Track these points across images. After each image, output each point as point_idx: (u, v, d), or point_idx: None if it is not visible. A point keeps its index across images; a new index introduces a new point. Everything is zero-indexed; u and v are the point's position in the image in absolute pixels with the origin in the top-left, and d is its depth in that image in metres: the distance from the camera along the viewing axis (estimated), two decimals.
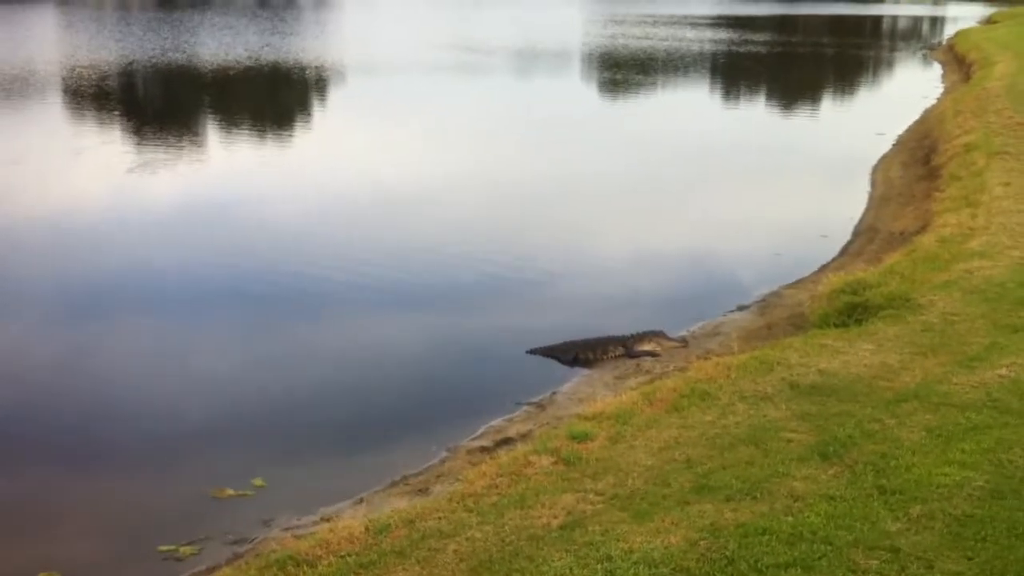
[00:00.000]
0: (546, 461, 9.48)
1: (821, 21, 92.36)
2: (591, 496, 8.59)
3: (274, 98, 41.14)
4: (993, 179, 20.59)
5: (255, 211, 21.66)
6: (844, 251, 19.32)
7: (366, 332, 14.99)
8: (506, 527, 8.08)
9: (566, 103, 40.79)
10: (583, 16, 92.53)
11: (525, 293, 16.85)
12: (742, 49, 62.71)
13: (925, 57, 60.89)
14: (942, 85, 44.39)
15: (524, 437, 11.21)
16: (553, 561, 7.42)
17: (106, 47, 53.29)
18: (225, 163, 27.12)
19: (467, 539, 7.92)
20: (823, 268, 18.00)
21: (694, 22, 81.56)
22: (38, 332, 14.73)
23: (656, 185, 25.34)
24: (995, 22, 71.94)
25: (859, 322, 13.10)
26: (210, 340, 14.55)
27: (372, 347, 14.36)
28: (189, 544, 9.34)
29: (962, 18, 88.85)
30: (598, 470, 9.18)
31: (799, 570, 7.08)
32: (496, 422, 11.97)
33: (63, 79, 41.39)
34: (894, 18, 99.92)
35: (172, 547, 9.29)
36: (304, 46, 56.66)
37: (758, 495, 8.29)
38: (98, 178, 24.49)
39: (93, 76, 42.14)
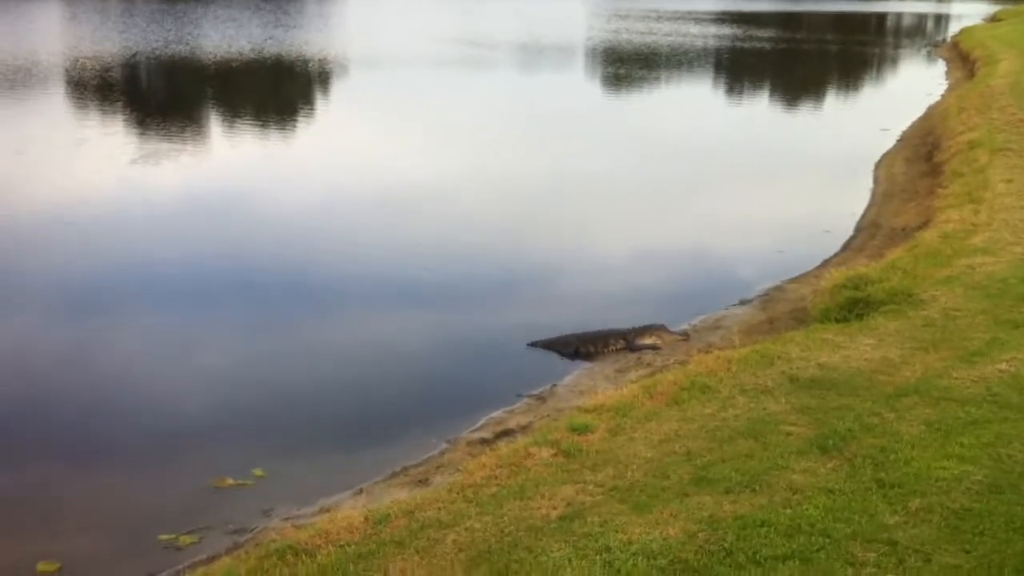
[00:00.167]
0: (546, 453, 9.50)
1: (825, 18, 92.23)
2: (591, 488, 8.61)
3: (277, 91, 41.14)
4: (996, 176, 20.58)
5: (257, 204, 21.68)
6: (846, 246, 19.32)
7: (368, 325, 15.00)
8: (505, 518, 8.09)
9: (569, 98, 40.75)
10: (587, 10, 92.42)
11: (527, 287, 16.85)
12: (746, 45, 62.64)
13: (929, 54, 60.81)
14: (946, 82, 44.34)
15: (524, 429, 11.23)
16: (552, 552, 7.43)
17: (109, 38, 53.28)
18: (227, 156, 27.13)
19: (466, 529, 7.93)
20: (825, 263, 17.99)
21: (698, 18, 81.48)
22: (39, 325, 14.74)
23: (659, 180, 25.33)
24: (1000, 20, 71.84)
25: (860, 317, 13.10)
26: (212, 333, 14.56)
27: (374, 340, 14.37)
28: (189, 533, 9.36)
29: (967, 15, 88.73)
30: (598, 462, 9.20)
31: (797, 562, 7.09)
32: (496, 414, 11.99)
33: (66, 70, 41.40)
34: (899, 15, 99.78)
35: (172, 536, 9.31)
36: (307, 39, 56.64)
37: (757, 488, 8.30)
38: (100, 169, 24.50)
39: (96, 67, 42.14)
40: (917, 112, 34.44)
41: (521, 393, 12.59)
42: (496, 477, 9.07)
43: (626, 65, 50.78)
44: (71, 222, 19.76)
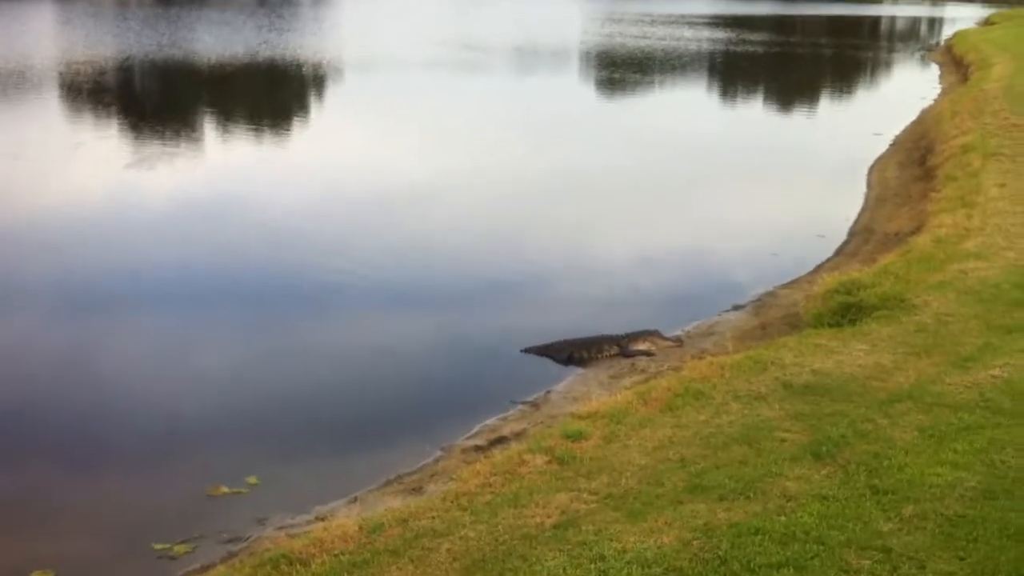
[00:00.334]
0: (540, 460, 9.50)
1: (819, 21, 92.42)
2: (585, 495, 8.61)
3: (272, 95, 41.14)
4: (989, 180, 20.63)
5: (252, 208, 21.67)
6: (840, 251, 19.36)
7: (362, 331, 15.00)
8: (500, 526, 8.09)
9: (564, 101, 40.80)
10: (582, 14, 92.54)
11: (521, 292, 16.86)
12: (740, 49, 62.75)
13: (923, 58, 60.96)
14: (939, 86, 44.46)
15: (518, 436, 11.23)
16: (546, 560, 7.43)
17: (103, 42, 53.24)
18: (222, 159, 27.13)
19: (460, 538, 7.93)
20: (818, 268, 18.03)
21: (692, 21, 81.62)
22: (32, 329, 14.71)
23: (653, 184, 25.36)
24: (993, 23, 72.07)
25: (853, 322, 13.12)
26: (206, 338, 14.55)
27: (368, 346, 14.37)
28: (183, 542, 9.35)
29: (960, 19, 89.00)
30: (592, 469, 9.20)
31: (791, 570, 7.10)
32: (491, 421, 11.98)
33: (60, 74, 41.36)
34: (892, 19, 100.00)
35: (167, 545, 9.30)
36: (302, 43, 56.64)
37: (751, 495, 8.31)
38: (95, 174, 24.49)
39: (90, 72, 42.11)
40: (910, 116, 34.53)
41: (515, 400, 12.59)
42: (490, 485, 9.07)
43: (620, 69, 50.85)
44: (66, 226, 19.75)
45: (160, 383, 12.90)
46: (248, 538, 9.40)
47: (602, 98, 42.83)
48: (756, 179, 26.36)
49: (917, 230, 18.44)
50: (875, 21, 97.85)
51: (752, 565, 7.17)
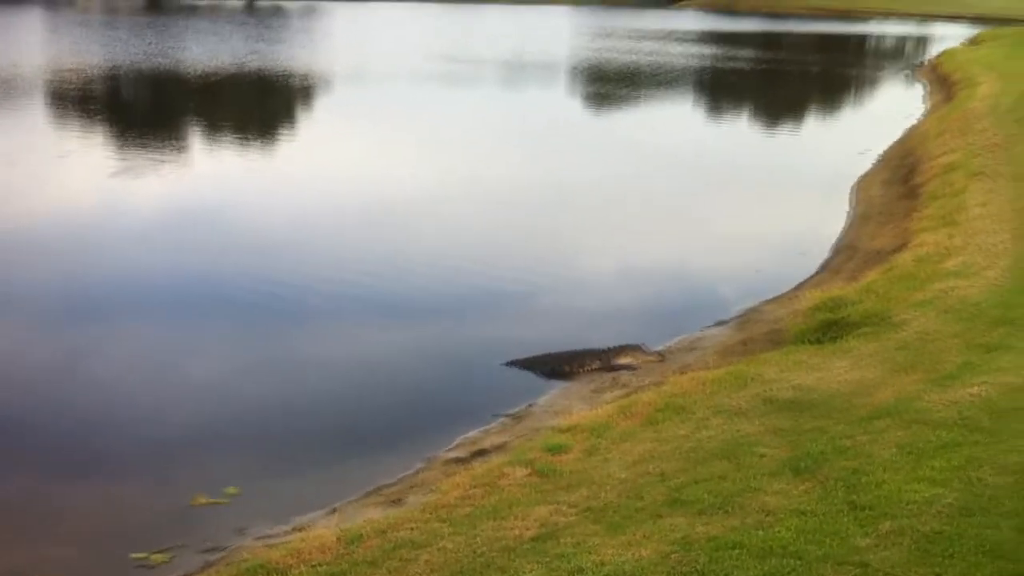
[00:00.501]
0: (520, 473, 9.52)
1: (806, 39, 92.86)
2: (564, 508, 8.63)
3: (259, 105, 41.12)
4: (972, 199, 20.74)
5: (239, 218, 21.66)
6: (823, 268, 19.44)
7: (346, 343, 14.99)
8: (478, 538, 8.10)
9: (551, 115, 40.89)
10: (571, 28, 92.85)
11: (507, 305, 16.88)
12: (727, 65, 63.03)
13: (909, 76, 61.29)
14: (925, 105, 44.68)
15: (500, 449, 11.24)
16: (524, 573, 7.44)
17: (91, 51, 53.18)
18: (208, 169, 27.10)
19: (439, 549, 7.94)
20: (802, 285, 18.09)
21: (680, 37, 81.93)
22: (19, 338, 14.66)
23: (639, 200, 25.42)
24: (980, 42, 72.47)
25: (835, 339, 13.19)
26: (189, 348, 14.51)
27: (352, 358, 14.36)
28: (162, 552, 9.32)
29: (947, 38, 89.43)
30: (572, 482, 9.22)
31: None
32: (472, 433, 11.99)
33: (47, 83, 41.28)
34: (879, 37, 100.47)
35: (144, 554, 9.27)
36: (291, 53, 56.67)
37: (730, 509, 8.33)
38: (81, 182, 24.44)
39: (78, 80, 42.04)
40: (896, 134, 34.69)
41: (497, 412, 12.60)
42: (470, 497, 9.08)
43: (608, 83, 51.02)
44: (51, 235, 19.70)
45: (140, 393, 12.88)
46: (226, 548, 9.38)
47: (589, 112, 42.96)
48: (742, 195, 26.45)
49: (900, 248, 18.53)
50: (862, 39, 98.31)
51: None
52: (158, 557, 9.24)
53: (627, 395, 12.58)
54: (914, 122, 37.51)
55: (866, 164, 29.80)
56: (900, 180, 26.57)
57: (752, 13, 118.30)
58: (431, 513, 8.77)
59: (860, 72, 66.68)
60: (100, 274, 17.54)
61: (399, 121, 36.44)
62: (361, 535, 8.31)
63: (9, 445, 11.45)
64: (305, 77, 47.38)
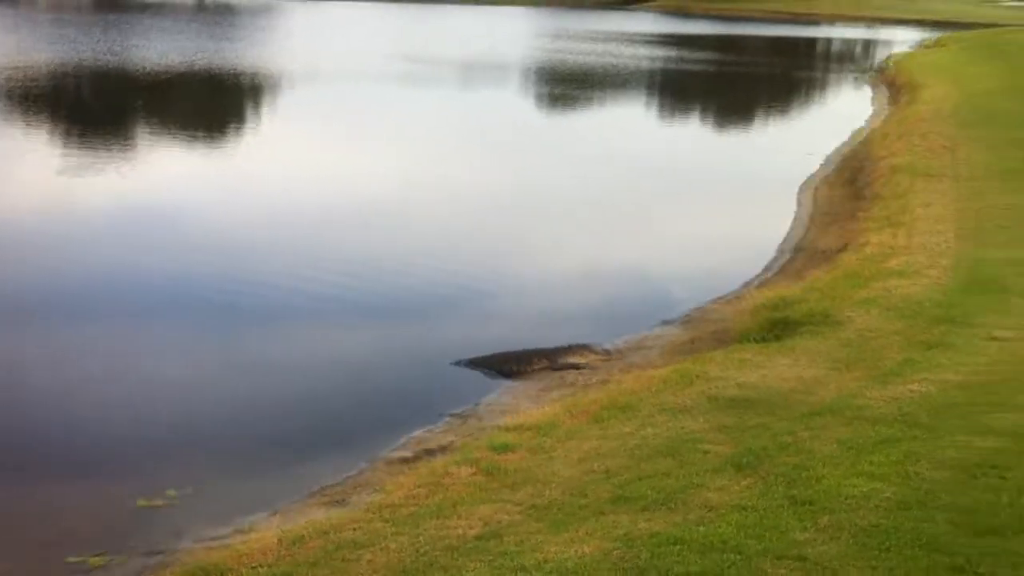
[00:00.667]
0: (465, 472, 9.52)
1: (759, 42, 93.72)
2: (509, 506, 8.64)
3: (209, 104, 40.73)
4: (916, 200, 21.07)
5: (186, 217, 21.42)
6: (770, 268, 19.63)
7: (294, 343, 14.90)
8: (422, 537, 8.08)
9: (506, 117, 40.94)
10: (528, 29, 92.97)
11: (457, 305, 16.87)
12: (681, 67, 63.44)
13: (858, 79, 62.05)
14: (873, 107, 45.26)
15: (446, 448, 11.22)
16: (468, 571, 7.43)
17: (38, 49, 52.40)
18: (159, 168, 26.76)
19: (382, 549, 7.91)
20: (749, 284, 18.27)
21: (635, 39, 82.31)
22: None
23: (590, 201, 25.50)
24: (928, 47, 73.60)
25: (780, 337, 13.33)
26: (132, 350, 14.33)
27: (298, 359, 14.27)
28: (99, 555, 9.17)
29: (896, 42, 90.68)
30: (517, 481, 9.23)
31: None
32: (418, 433, 11.95)
33: None
34: (829, 41, 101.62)
35: (81, 558, 9.13)
36: (242, 52, 56.22)
37: (673, 505, 8.39)
38: (28, 182, 24.06)
39: (23, 78, 41.40)
40: (843, 136, 35.11)
41: (444, 412, 12.58)
42: (415, 496, 9.06)
43: (564, 85, 51.14)
44: None
45: (80, 395, 12.69)
46: (166, 551, 9.25)
47: (544, 113, 43.05)
48: (691, 196, 26.66)
49: (845, 248, 18.78)
50: (813, 42, 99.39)
51: (671, 574, 7.22)
52: (96, 561, 9.10)
53: (574, 394, 12.63)
54: (862, 124, 38.00)
55: (814, 165, 30.13)
56: (847, 181, 26.91)
57: (706, 16, 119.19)
58: (374, 513, 8.73)
59: (810, 75, 67.42)
60: (43, 274, 17.28)
61: (353, 121, 36.28)
62: (303, 536, 8.26)
63: None
64: (256, 76, 47.00)
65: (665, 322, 16.37)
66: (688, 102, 50.21)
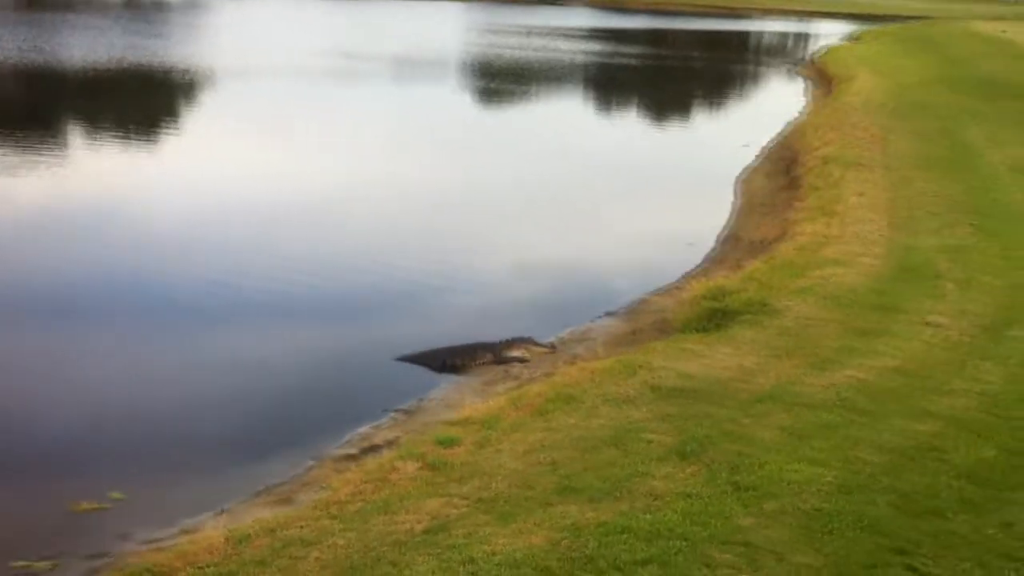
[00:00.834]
0: (412, 467, 9.52)
1: (691, 36, 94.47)
2: (456, 500, 8.65)
3: (138, 102, 40.05)
4: (849, 190, 21.42)
5: (117, 217, 21.07)
6: (708, 258, 19.84)
7: (233, 340, 14.73)
8: (370, 533, 8.07)
9: (441, 112, 40.80)
10: (460, 25, 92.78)
11: (399, 302, 16.80)
12: (615, 61, 63.75)
13: (791, 72, 62.85)
14: (805, 99, 45.90)
15: (391, 444, 11.20)
16: (416, 565, 7.44)
17: None
18: (85, 168, 26.27)
19: (330, 546, 7.88)
20: (688, 275, 18.44)
21: (568, 34, 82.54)
22: None
23: (530, 196, 25.54)
24: (858, 39, 74.81)
25: (719, 327, 13.49)
26: (68, 350, 14.09)
27: (240, 358, 14.11)
28: (44, 560, 9.03)
29: (827, 35, 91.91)
30: (464, 474, 9.25)
31: (656, 566, 7.25)
32: (364, 429, 11.91)
33: None
34: (761, 34, 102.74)
35: (26, 563, 8.97)
36: (173, 49, 55.38)
37: (619, 495, 8.47)
38: None
39: None
40: (777, 128, 35.56)
41: (388, 408, 12.54)
42: (361, 493, 9.04)
43: (498, 79, 51.13)
44: None
45: (16, 398, 12.44)
46: (112, 553, 9.13)
47: (480, 109, 43.00)
48: (629, 190, 26.79)
49: (781, 238, 19.03)
50: (745, 36, 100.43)
51: (618, 562, 7.31)
52: (41, 565, 8.95)
53: (518, 387, 12.67)
54: (795, 116, 38.52)
55: (749, 157, 30.48)
56: (781, 172, 27.27)
57: (640, 11, 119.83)
58: (321, 510, 8.70)
59: (744, 68, 68.17)
60: None
61: (288, 117, 35.91)
62: (249, 535, 8.21)
63: None
64: (187, 73, 46.32)
65: (608, 314, 16.47)
66: (625, 96, 50.49)
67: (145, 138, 31.34)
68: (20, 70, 43.68)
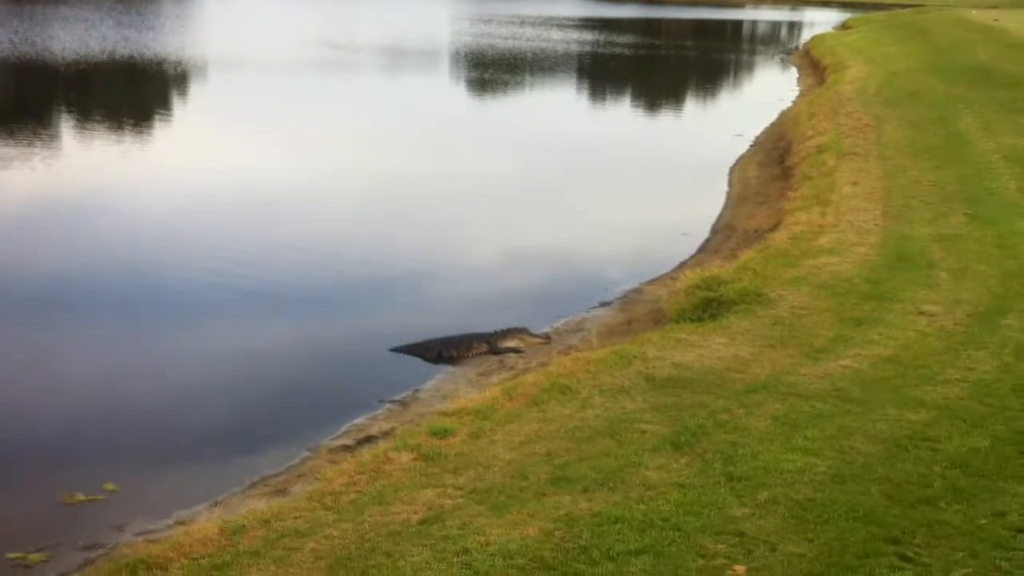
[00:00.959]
0: (406, 458, 9.52)
1: (684, 25, 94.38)
2: (451, 491, 8.66)
3: (131, 94, 39.95)
4: (842, 179, 21.42)
5: (111, 210, 21.05)
6: (702, 248, 19.86)
7: (228, 332, 14.72)
8: (365, 524, 8.08)
9: (434, 102, 40.76)
10: (449, 15, 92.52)
11: (392, 293, 16.80)
12: (607, 51, 63.68)
13: (783, 61, 62.81)
14: (798, 88, 45.87)
15: (386, 435, 11.21)
16: (411, 556, 7.45)
17: None
18: (78, 161, 26.22)
19: (325, 537, 7.89)
20: (682, 265, 18.46)
21: (560, 23, 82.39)
22: None
23: (523, 185, 25.54)
24: (849, 28, 74.71)
25: (714, 317, 13.50)
26: (63, 342, 14.08)
27: (236, 349, 14.11)
28: (38, 551, 9.04)
29: (819, 23, 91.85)
30: (458, 465, 9.26)
31: (650, 556, 7.27)
32: (359, 421, 11.92)
33: None
34: (754, 23, 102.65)
35: (21, 555, 8.98)
36: (163, 41, 55.20)
37: (613, 485, 8.48)
38: None
39: None
40: (770, 117, 35.56)
41: (383, 399, 12.55)
42: (356, 484, 9.04)
43: (490, 69, 51.03)
44: None
45: (12, 389, 12.43)
46: (106, 545, 9.14)
47: (472, 99, 42.94)
48: (623, 179, 26.79)
49: (775, 227, 19.04)
50: (738, 25, 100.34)
51: (612, 553, 7.32)
52: (35, 557, 8.96)
53: (513, 377, 12.68)
54: (788, 105, 38.51)
55: (743, 146, 30.50)
56: (775, 161, 27.28)
57: (631, 0, 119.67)
58: (316, 501, 8.70)
59: (736, 57, 68.12)
60: None
61: (279, 109, 35.84)
62: (244, 526, 8.21)
63: None
64: (179, 65, 46.20)
65: (602, 304, 16.49)
66: (618, 86, 50.44)
67: (137, 130, 31.26)
68: (12, 63, 43.50)
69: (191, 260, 17.59)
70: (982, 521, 7.71)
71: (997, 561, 7.14)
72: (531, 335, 14.64)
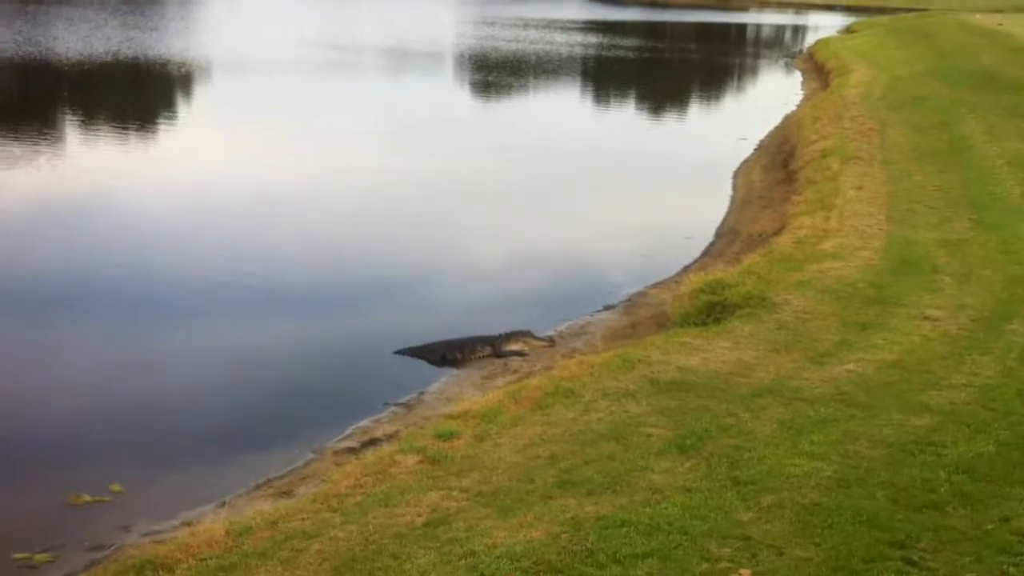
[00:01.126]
0: (412, 460, 9.54)
1: (687, 28, 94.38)
2: (456, 493, 8.68)
3: (135, 95, 40.00)
4: (847, 183, 21.42)
5: (116, 210, 21.08)
6: (706, 252, 19.87)
7: (234, 334, 14.75)
8: (370, 526, 8.10)
9: (437, 105, 40.77)
10: (453, 17, 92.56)
11: (397, 295, 16.82)
12: (611, 54, 63.71)
13: (787, 65, 62.80)
14: (802, 92, 45.85)
15: (391, 437, 11.23)
16: (417, 558, 7.47)
17: None
18: (83, 161, 26.25)
19: (330, 539, 7.91)
20: (686, 269, 18.47)
21: (564, 26, 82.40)
22: None
23: (527, 188, 25.56)
24: (853, 31, 74.69)
25: (718, 320, 13.51)
26: (69, 343, 14.11)
27: (242, 350, 14.14)
28: (45, 551, 9.07)
29: (823, 27, 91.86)
30: (463, 468, 9.28)
31: (656, 560, 7.28)
32: (363, 423, 11.95)
33: None
34: (758, 26, 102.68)
35: (26, 555, 9.01)
36: (168, 42, 55.28)
37: (618, 488, 8.50)
38: None
39: None
40: (774, 121, 35.55)
41: (388, 401, 12.58)
42: (361, 486, 9.07)
43: (494, 72, 51.06)
44: None
45: (19, 391, 12.45)
46: (112, 546, 9.17)
47: (476, 101, 42.97)
48: (627, 183, 26.81)
49: (779, 231, 19.04)
50: (741, 28, 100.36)
51: (618, 556, 7.34)
52: (41, 557, 8.99)
53: (517, 380, 12.69)
54: (792, 109, 38.50)
55: (747, 150, 30.50)
56: (779, 165, 27.29)
57: (635, 3, 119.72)
58: (322, 503, 8.72)
59: (740, 61, 68.13)
60: None
61: (283, 110, 35.86)
62: (251, 527, 8.23)
63: None
64: (183, 65, 46.26)
65: (606, 307, 16.51)
66: (622, 89, 50.45)
67: (141, 130, 31.29)
68: (16, 63, 43.56)
69: (196, 260, 17.63)
70: (988, 526, 7.72)
71: (1003, 566, 7.14)
72: (535, 338, 14.66)
